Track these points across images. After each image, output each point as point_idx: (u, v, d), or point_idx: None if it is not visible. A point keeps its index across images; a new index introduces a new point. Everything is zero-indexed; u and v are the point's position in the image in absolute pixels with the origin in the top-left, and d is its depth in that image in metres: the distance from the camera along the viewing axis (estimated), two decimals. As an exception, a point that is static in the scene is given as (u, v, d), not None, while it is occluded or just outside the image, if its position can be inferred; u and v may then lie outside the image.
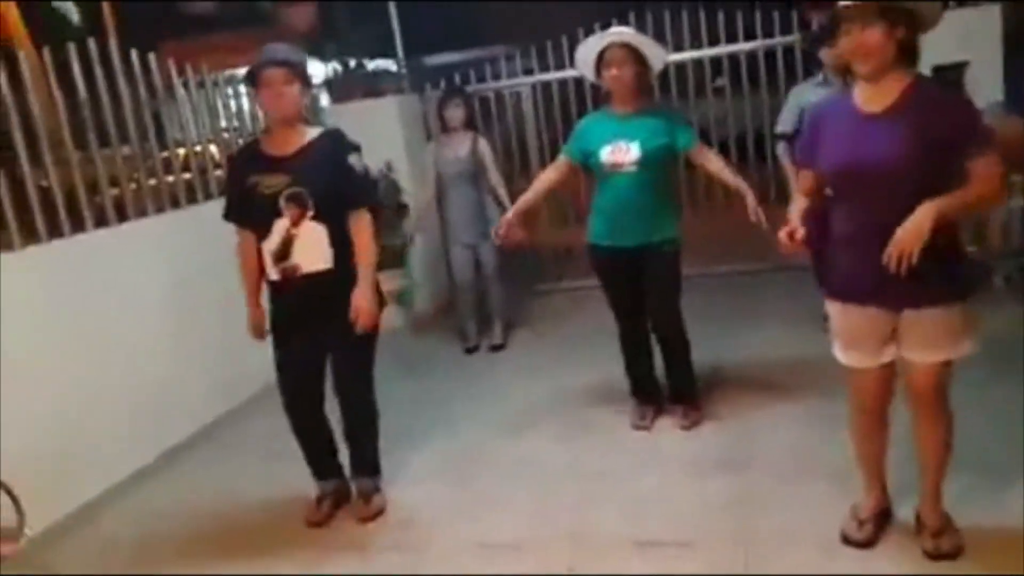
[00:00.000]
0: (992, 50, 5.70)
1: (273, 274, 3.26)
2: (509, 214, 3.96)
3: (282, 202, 3.17)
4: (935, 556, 2.70)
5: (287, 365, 3.36)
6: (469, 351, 5.66)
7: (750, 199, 3.67)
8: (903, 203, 2.38)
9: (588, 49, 3.75)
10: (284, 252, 3.21)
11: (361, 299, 3.22)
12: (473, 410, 4.58)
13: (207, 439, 4.61)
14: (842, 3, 2.42)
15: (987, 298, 5.14)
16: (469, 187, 5.46)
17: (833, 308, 2.69)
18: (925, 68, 5.98)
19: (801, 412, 3.89)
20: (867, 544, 2.80)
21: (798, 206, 2.73)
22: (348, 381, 3.38)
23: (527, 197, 4.01)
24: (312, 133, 3.29)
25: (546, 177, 4.00)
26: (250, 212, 3.27)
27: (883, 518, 2.88)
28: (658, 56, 3.78)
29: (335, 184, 3.19)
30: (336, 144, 3.29)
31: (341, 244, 3.22)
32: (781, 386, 4.26)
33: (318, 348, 3.34)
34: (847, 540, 2.82)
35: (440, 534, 3.32)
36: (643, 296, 3.86)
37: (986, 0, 5.84)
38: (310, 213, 3.17)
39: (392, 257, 6.38)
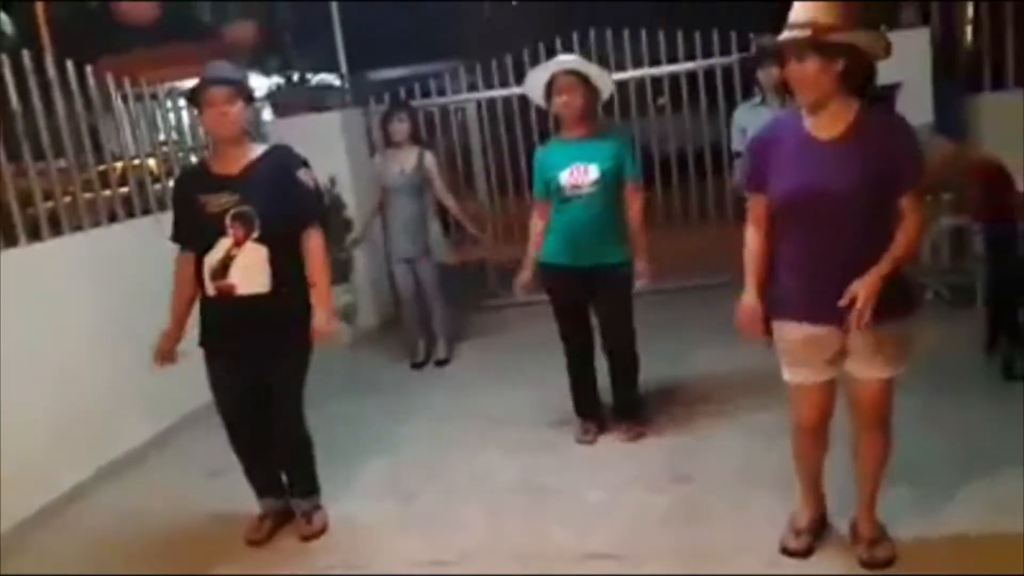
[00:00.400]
0: (922, 72, 5.89)
1: (210, 290, 3.21)
2: (524, 272, 4.00)
3: (228, 221, 3.12)
4: (869, 564, 2.77)
5: (219, 384, 3.30)
6: (416, 366, 5.64)
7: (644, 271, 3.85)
8: (854, 228, 2.49)
9: (536, 77, 3.83)
10: (223, 271, 3.15)
11: (324, 323, 3.21)
12: (419, 426, 4.55)
13: (146, 456, 4.50)
14: (783, 43, 2.48)
15: (917, 314, 5.31)
16: (412, 201, 5.45)
17: (781, 328, 2.70)
18: (859, 89, 6.18)
19: (743, 425, 3.95)
20: (805, 554, 2.86)
21: (748, 247, 2.75)
22: (282, 409, 3.32)
23: (531, 253, 4.02)
24: (258, 150, 3.25)
25: (535, 225, 4.01)
26: (195, 231, 3.22)
27: (820, 527, 2.94)
28: (606, 82, 3.87)
29: (283, 201, 3.16)
30: (284, 160, 3.26)
31: (280, 266, 3.17)
32: (723, 400, 4.32)
33: (251, 367, 3.27)
34: (785, 550, 2.88)
35: (385, 550, 3.29)
36: (589, 316, 3.93)
37: (917, 25, 6.05)
38: (254, 234, 3.13)
39: (336, 271, 6.34)
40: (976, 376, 4.20)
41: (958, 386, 4.06)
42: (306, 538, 3.41)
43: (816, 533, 2.92)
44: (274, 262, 3.15)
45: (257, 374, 3.29)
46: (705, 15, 6.98)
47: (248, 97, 3.25)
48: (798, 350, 2.67)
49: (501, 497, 3.61)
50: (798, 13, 2.47)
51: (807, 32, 2.42)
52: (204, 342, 3.29)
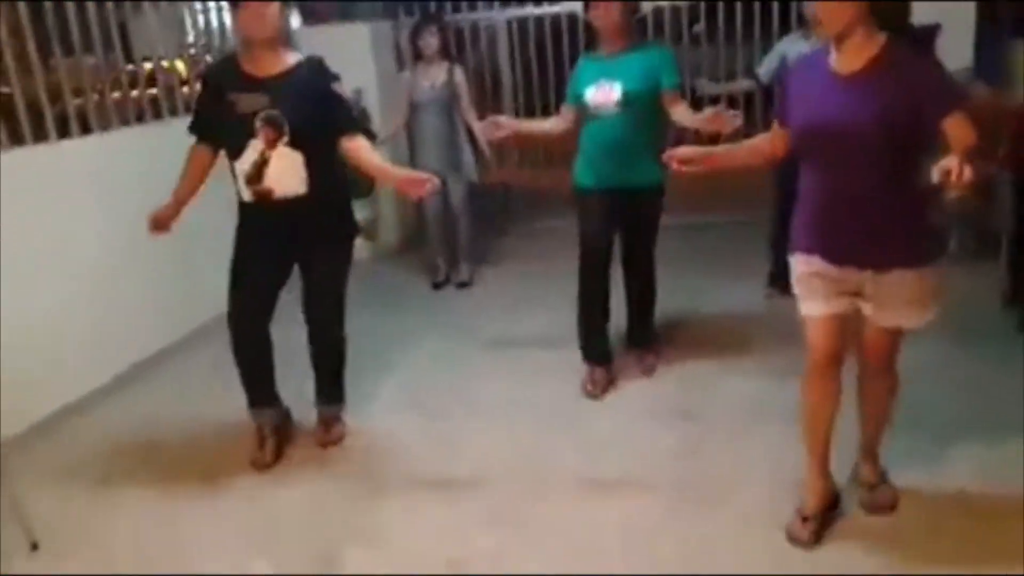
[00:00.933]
0: (965, 17, 5.74)
1: (246, 195, 3.21)
2: (507, 124, 3.83)
3: (257, 123, 3.11)
4: (871, 508, 2.81)
5: (243, 282, 3.31)
6: (437, 286, 5.67)
7: (715, 113, 3.43)
8: (869, 168, 2.41)
9: None
10: (258, 175, 3.16)
11: (409, 175, 3.26)
12: (438, 346, 4.62)
13: (165, 361, 4.61)
14: None
15: (941, 263, 5.29)
16: (441, 117, 5.40)
17: (796, 260, 2.68)
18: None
19: (755, 362, 4.00)
20: (813, 542, 2.71)
21: (751, 142, 2.80)
22: (320, 308, 3.38)
23: (532, 124, 4.03)
24: (293, 58, 3.23)
25: (554, 122, 3.97)
26: (222, 129, 3.22)
27: (828, 512, 2.81)
28: None
29: (317, 112, 3.15)
30: (318, 72, 3.25)
31: (316, 171, 3.17)
32: (737, 336, 4.37)
33: (279, 273, 3.34)
34: (793, 539, 2.73)
35: (399, 465, 3.38)
36: (611, 247, 3.86)
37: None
38: (285, 138, 3.12)
39: (359, 187, 6.34)
40: (993, 328, 4.21)
41: (973, 338, 4.07)
42: (323, 444, 3.49)
43: (825, 520, 2.77)
44: (310, 166, 3.16)
45: (283, 278, 3.34)
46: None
47: (285, 4, 3.21)
48: (807, 281, 2.64)
49: (515, 421, 3.69)
50: None
51: None
52: (240, 245, 3.31)
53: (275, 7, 3.11)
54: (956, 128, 2.31)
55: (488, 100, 7.04)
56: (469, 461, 3.39)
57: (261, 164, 3.15)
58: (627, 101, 3.62)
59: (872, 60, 2.40)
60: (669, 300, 4.25)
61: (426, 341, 4.69)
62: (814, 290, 2.65)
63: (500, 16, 6.96)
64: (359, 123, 3.41)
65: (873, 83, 2.39)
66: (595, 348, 3.98)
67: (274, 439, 3.48)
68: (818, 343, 2.67)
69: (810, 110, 2.51)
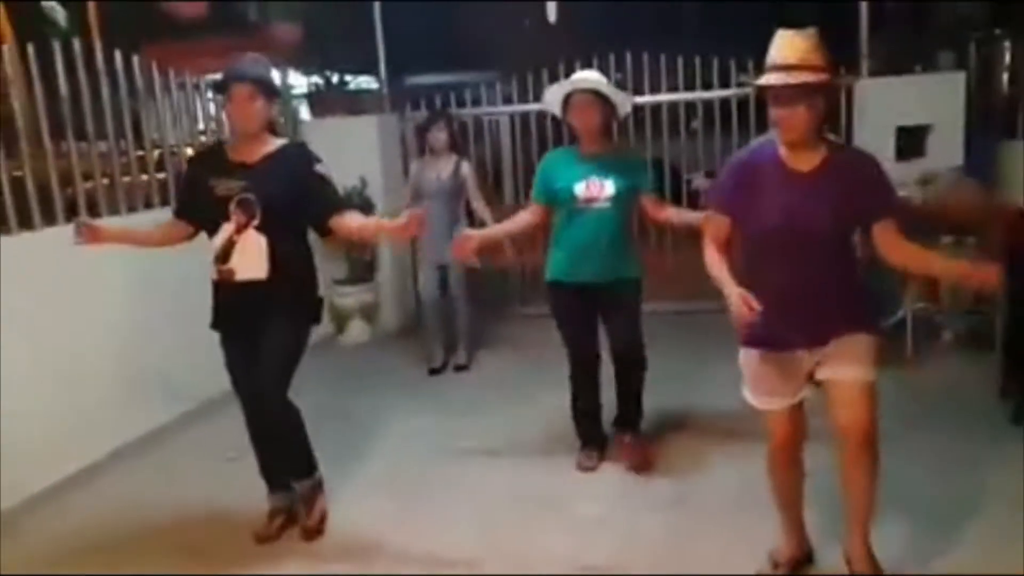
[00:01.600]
0: (955, 116, 5.91)
1: (213, 274, 3.32)
2: (474, 234, 3.99)
3: (231, 206, 3.22)
4: None
5: (233, 366, 3.38)
6: (434, 371, 5.70)
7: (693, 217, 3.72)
8: (826, 258, 2.62)
9: (554, 93, 3.87)
10: (224, 256, 3.25)
11: (396, 222, 3.24)
12: (429, 428, 4.63)
13: (163, 439, 4.60)
14: (767, 84, 2.54)
15: (937, 353, 5.32)
16: (445, 208, 5.50)
17: (750, 356, 2.75)
18: (890, 128, 6.23)
19: (740, 451, 3.97)
20: None
21: (713, 259, 2.77)
22: (260, 382, 3.31)
23: (496, 228, 4.14)
24: (276, 144, 3.35)
25: (520, 218, 4.04)
26: (200, 210, 3.33)
27: (800, 564, 2.94)
28: (623, 102, 3.88)
29: (294, 195, 3.24)
30: (299, 156, 3.37)
31: (280, 256, 3.24)
32: (725, 421, 4.35)
33: (252, 349, 3.34)
34: None
35: (386, 548, 3.35)
36: (596, 333, 3.93)
37: (952, 69, 6.07)
38: (255, 222, 3.21)
39: (360, 272, 6.45)
40: (987, 419, 4.19)
41: (968, 429, 4.06)
42: (308, 531, 3.42)
43: (796, 568, 2.93)
44: (274, 251, 3.23)
45: (262, 347, 3.35)
46: (742, 42, 7.02)
47: (271, 93, 3.34)
48: (767, 378, 2.72)
49: (504, 504, 3.67)
50: (786, 53, 2.52)
51: (802, 76, 2.48)
52: (214, 324, 3.39)
53: (260, 102, 3.25)
54: (886, 236, 2.59)
55: (490, 190, 7.20)
56: (457, 544, 3.36)
57: (229, 246, 3.24)
58: (618, 196, 3.77)
59: (825, 161, 2.60)
60: (658, 386, 4.24)
61: (419, 424, 4.69)
62: (770, 386, 2.74)
63: (503, 111, 7.17)
64: (344, 201, 3.50)
65: (829, 181, 2.58)
66: (589, 428, 4.07)
67: (283, 519, 3.49)
68: (777, 431, 2.79)
69: (772, 207, 2.61)
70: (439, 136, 5.54)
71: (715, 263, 2.74)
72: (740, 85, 6.12)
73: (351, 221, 3.38)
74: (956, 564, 2.96)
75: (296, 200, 3.25)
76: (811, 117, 2.53)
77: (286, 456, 3.48)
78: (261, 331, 3.29)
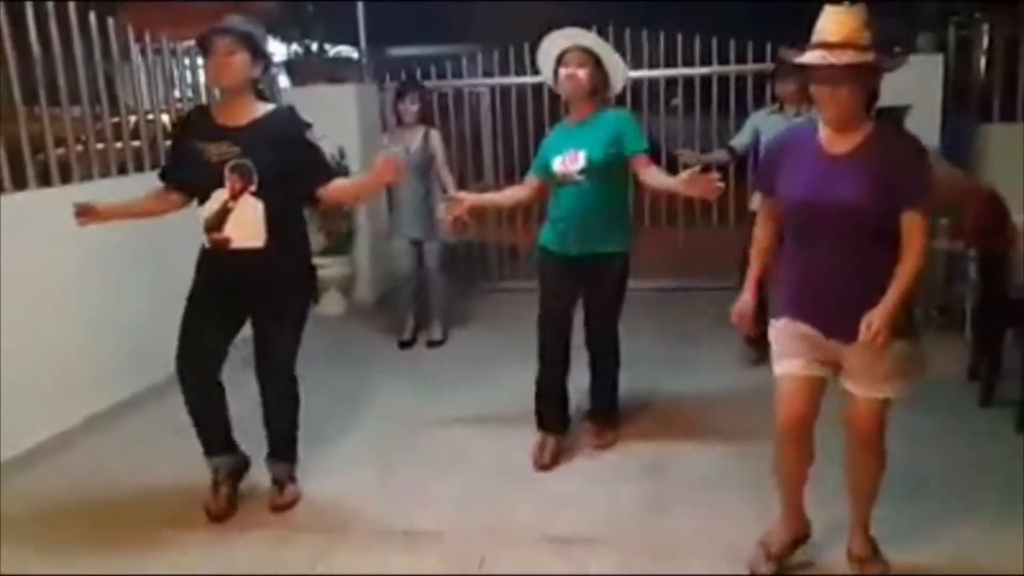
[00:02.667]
0: (933, 98, 5.95)
1: (205, 242, 3.24)
2: (465, 199, 3.83)
3: (226, 172, 3.13)
4: None
5: (193, 330, 3.29)
6: (403, 345, 5.70)
7: (693, 176, 3.21)
8: (856, 243, 2.49)
9: (550, 46, 3.69)
10: (218, 223, 3.17)
11: (373, 175, 3.25)
12: (403, 401, 4.64)
13: (136, 408, 4.58)
14: (814, 64, 2.44)
15: (918, 336, 5.37)
16: (418, 181, 5.46)
17: (776, 324, 2.72)
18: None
19: (718, 429, 4.03)
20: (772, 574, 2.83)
21: (755, 244, 2.83)
22: (269, 367, 3.34)
23: (489, 196, 4.06)
24: (265, 108, 3.26)
25: (512, 192, 4.02)
26: (191, 177, 3.23)
27: (795, 547, 2.89)
28: (617, 66, 3.72)
29: (287, 162, 3.17)
30: (289, 121, 3.28)
31: (277, 223, 3.18)
32: (702, 402, 4.40)
33: (230, 323, 3.32)
34: (752, 571, 2.83)
35: (359, 519, 3.37)
36: (571, 314, 3.84)
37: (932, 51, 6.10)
38: (252, 188, 3.14)
39: (337, 244, 6.42)
40: (957, 400, 4.26)
41: (936, 410, 4.11)
42: (277, 509, 3.41)
43: (790, 552, 2.87)
44: (271, 218, 3.16)
45: (235, 328, 3.33)
46: (725, 21, 7.03)
47: (256, 51, 3.21)
48: (789, 342, 2.67)
49: (477, 476, 3.70)
50: (832, 32, 2.43)
51: (847, 56, 2.39)
52: (194, 290, 3.31)
53: (241, 57, 3.15)
54: (909, 224, 2.44)
55: (469, 163, 7.19)
56: (428, 514, 3.38)
57: (223, 213, 3.17)
58: (590, 169, 3.60)
59: (862, 143, 2.49)
60: (635, 366, 4.27)
61: (392, 397, 4.70)
62: (794, 349, 2.67)
63: (484, 83, 7.13)
64: (333, 168, 3.45)
65: (860, 164, 2.47)
66: (549, 416, 3.92)
67: (228, 486, 3.44)
68: (787, 405, 2.69)
69: (804, 186, 2.57)
70: (410, 108, 5.49)
71: (754, 250, 2.84)
72: (779, 61, 6.06)
73: (337, 187, 3.34)
74: (923, 544, 3.00)
75: (291, 166, 3.18)
76: (854, 99, 2.43)
77: (279, 439, 3.46)
78: (256, 306, 3.26)
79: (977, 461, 3.63)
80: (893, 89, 6.31)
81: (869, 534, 2.85)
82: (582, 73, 3.60)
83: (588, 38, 3.68)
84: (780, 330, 2.72)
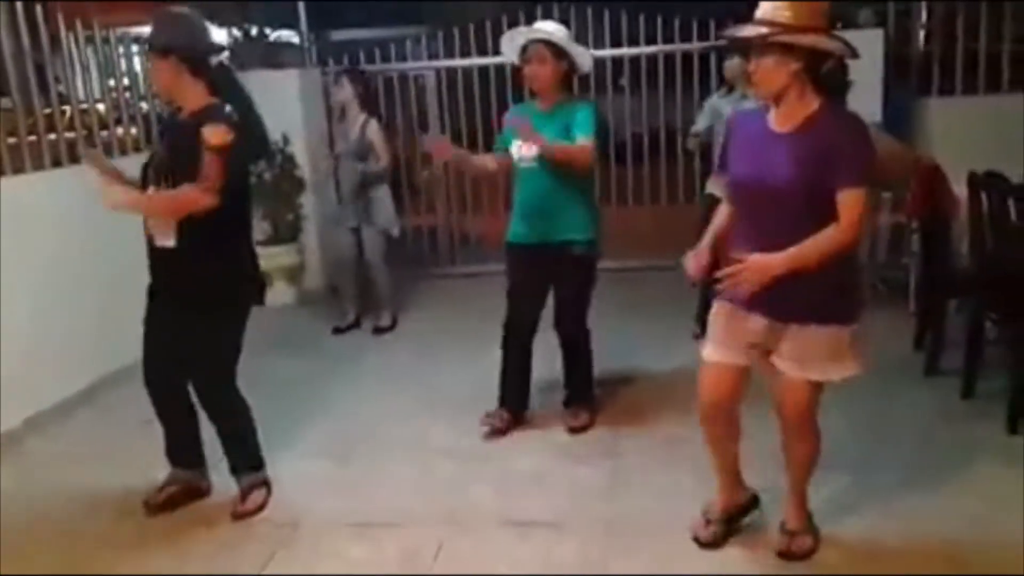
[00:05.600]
0: (874, 72, 6.02)
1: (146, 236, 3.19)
2: (449, 147, 3.89)
3: (150, 172, 3.11)
4: (783, 555, 2.84)
5: (147, 332, 3.26)
6: (337, 330, 5.64)
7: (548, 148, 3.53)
8: (793, 223, 2.48)
9: (512, 41, 3.73)
10: (147, 220, 3.15)
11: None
12: (355, 390, 4.59)
13: (84, 403, 4.48)
14: (732, 34, 2.60)
15: (858, 324, 5.45)
16: (357, 169, 5.42)
17: (719, 307, 2.75)
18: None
19: (675, 406, 4.04)
20: (713, 544, 2.91)
21: (718, 218, 2.84)
22: (196, 376, 3.23)
23: (469, 157, 4.03)
24: (203, 103, 3.11)
25: (488, 159, 4.00)
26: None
27: (734, 518, 2.98)
28: (583, 55, 3.77)
29: (188, 158, 3.00)
30: (206, 116, 3.05)
31: (187, 222, 3.02)
32: (661, 383, 4.42)
33: (171, 325, 3.20)
34: (696, 539, 2.93)
35: (315, 509, 3.33)
36: (539, 302, 3.85)
37: (872, 26, 6.18)
38: (164, 185, 3.06)
39: (285, 231, 6.32)
40: (902, 371, 4.34)
41: (883, 379, 4.18)
42: (235, 516, 3.30)
43: (729, 524, 2.95)
44: (180, 220, 3.03)
45: (178, 331, 3.21)
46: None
47: (193, 59, 3.09)
48: (720, 327, 2.74)
49: (433, 462, 3.68)
50: (763, 10, 2.52)
51: (763, 30, 2.48)
52: (148, 287, 3.26)
53: (164, 65, 3.07)
54: (843, 200, 2.45)
55: (417, 149, 7.11)
56: (385, 503, 3.36)
57: None
58: (542, 156, 3.62)
59: (806, 120, 2.52)
60: (600, 342, 4.24)
61: (343, 387, 4.65)
62: (722, 336, 2.74)
63: (430, 66, 7.06)
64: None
65: (800, 142, 2.50)
66: (512, 396, 3.97)
67: (175, 489, 3.38)
68: (706, 391, 2.80)
69: (744, 164, 2.63)
70: (342, 94, 5.45)
71: (714, 221, 2.85)
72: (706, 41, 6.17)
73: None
74: (866, 515, 3.05)
75: (195, 163, 3.00)
76: (780, 74, 2.47)
77: (228, 448, 3.37)
78: (181, 309, 3.14)
79: (923, 430, 3.71)
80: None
81: (803, 509, 2.89)
82: (544, 68, 3.66)
83: (546, 32, 3.70)
84: (715, 313, 2.78)
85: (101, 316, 4.59)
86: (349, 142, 5.40)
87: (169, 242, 3.07)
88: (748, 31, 2.53)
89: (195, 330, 3.16)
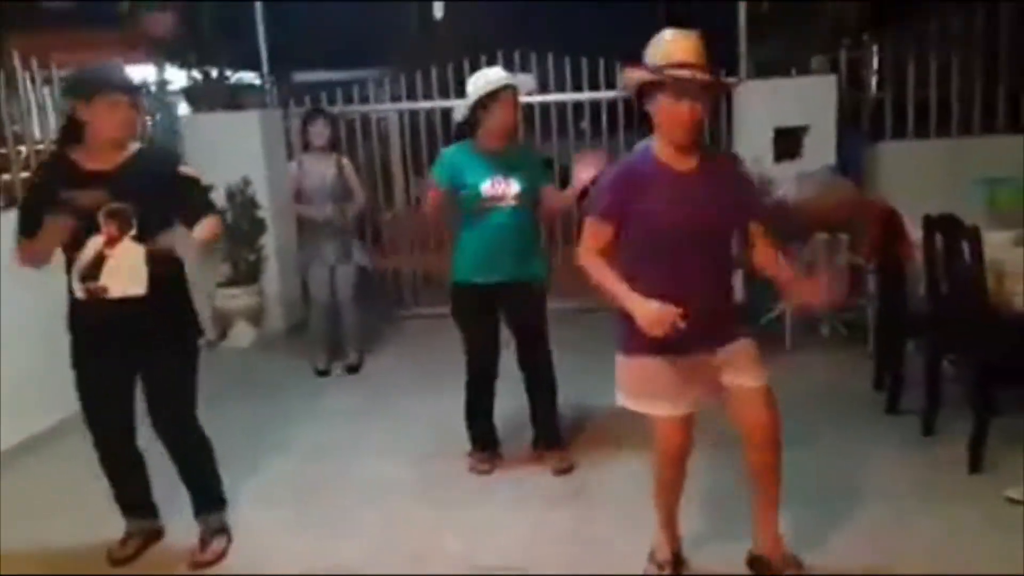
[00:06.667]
0: (827, 117, 6.17)
1: (79, 292, 2.98)
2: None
3: (101, 218, 2.93)
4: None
5: (90, 394, 3.11)
6: (320, 373, 5.59)
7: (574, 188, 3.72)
8: (714, 255, 2.69)
9: (487, 79, 3.71)
10: (94, 272, 2.95)
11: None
12: (319, 433, 4.52)
13: (36, 449, 4.32)
14: (678, 75, 2.53)
15: (815, 347, 5.54)
16: (333, 207, 5.40)
17: (645, 363, 2.69)
18: (768, 130, 6.48)
19: (633, 445, 3.99)
20: None
21: (598, 268, 2.68)
22: (165, 416, 3.17)
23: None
24: (132, 148, 3.08)
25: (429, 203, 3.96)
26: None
27: (680, 559, 2.99)
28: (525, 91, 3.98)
29: (164, 201, 3.01)
30: (162, 158, 3.15)
31: (158, 267, 2.99)
32: (614, 421, 4.38)
33: (125, 376, 3.14)
34: None
35: (276, 556, 3.26)
36: (498, 338, 3.88)
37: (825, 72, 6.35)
38: (132, 232, 2.96)
39: (246, 273, 6.25)
40: (863, 410, 4.38)
41: (844, 418, 4.24)
42: (194, 566, 3.21)
43: (678, 566, 2.97)
44: (153, 262, 2.98)
45: (130, 382, 3.14)
46: (630, 44, 7.16)
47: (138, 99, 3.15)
48: (658, 382, 2.68)
49: (398, 507, 3.62)
50: (688, 52, 2.57)
51: (706, 74, 2.56)
52: (75, 350, 3.09)
53: (134, 111, 3.06)
54: (756, 232, 2.76)
55: (379, 190, 7.12)
56: (348, 548, 3.29)
57: (99, 261, 2.95)
58: (523, 195, 3.73)
59: (700, 160, 2.68)
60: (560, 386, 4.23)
61: (307, 428, 4.58)
62: (665, 390, 2.70)
63: (391, 109, 7.08)
64: (213, 203, 3.34)
65: (708, 180, 2.65)
66: (484, 436, 4.00)
67: (138, 544, 3.32)
68: (670, 443, 2.79)
69: (664, 207, 2.61)
70: (323, 132, 5.43)
71: (603, 272, 2.65)
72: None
73: (208, 224, 3.13)
74: (830, 551, 3.05)
75: (168, 206, 3.01)
76: (704, 116, 2.62)
77: (200, 491, 3.31)
78: (143, 356, 3.08)
79: (885, 467, 3.73)
80: (790, 110, 6.61)
81: (779, 533, 2.88)
82: (516, 113, 3.79)
83: (514, 79, 3.84)
84: (643, 368, 2.70)
85: (32, 369, 4.31)
86: (326, 183, 5.38)
87: (139, 290, 2.98)
88: (695, 74, 2.54)
89: (163, 371, 3.13)
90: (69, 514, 3.64)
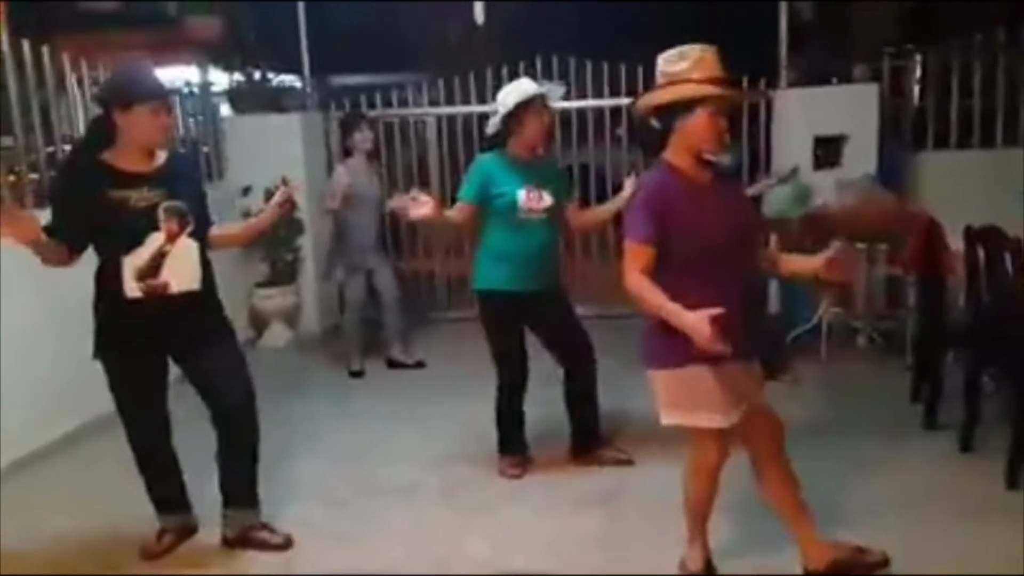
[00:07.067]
0: (869, 126, 6.10)
1: (134, 291, 2.98)
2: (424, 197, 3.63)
3: (161, 215, 2.98)
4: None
5: (132, 394, 3.15)
6: (354, 374, 5.63)
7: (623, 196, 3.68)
8: (744, 264, 2.75)
9: (519, 93, 3.70)
10: (154, 269, 2.99)
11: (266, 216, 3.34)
12: (349, 434, 4.56)
13: (69, 447, 4.41)
14: (729, 93, 2.68)
15: (851, 358, 5.48)
16: (375, 213, 5.50)
17: (693, 372, 2.63)
18: (808, 138, 6.43)
19: (662, 452, 3.98)
20: None
21: (648, 290, 2.59)
22: (238, 398, 3.23)
23: (449, 213, 3.88)
24: (163, 152, 3.13)
25: (453, 212, 3.88)
26: (112, 229, 2.97)
27: (711, 566, 2.98)
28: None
29: (200, 200, 3.17)
30: (189, 163, 3.29)
31: (205, 265, 3.13)
32: (642, 427, 4.36)
33: (163, 374, 3.20)
34: None
35: (308, 555, 3.29)
36: (525, 344, 3.92)
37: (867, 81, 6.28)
38: (189, 228, 3.05)
39: (283, 273, 6.32)
40: (899, 423, 4.31)
41: (879, 431, 4.17)
42: (277, 547, 3.33)
43: (710, 571, 2.97)
44: (204, 258, 3.12)
45: (167, 379, 3.21)
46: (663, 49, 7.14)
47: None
48: (710, 391, 2.65)
49: (430, 510, 3.64)
50: (716, 68, 2.61)
51: (736, 91, 2.68)
52: (118, 346, 3.09)
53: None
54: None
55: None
56: (379, 551, 3.31)
57: (159, 257, 2.99)
58: (555, 207, 3.81)
59: (713, 173, 2.73)
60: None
61: (338, 431, 4.62)
62: (716, 399, 2.66)
63: (430, 113, 7.13)
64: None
65: (725, 191, 2.74)
66: (516, 440, 4.02)
67: (172, 540, 3.38)
68: (720, 455, 2.79)
69: (703, 220, 2.62)
70: (368, 135, 5.48)
71: (653, 293, 2.56)
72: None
73: (227, 228, 3.40)
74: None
75: (200, 208, 3.16)
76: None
77: (242, 484, 3.34)
78: (186, 349, 3.15)
79: (922, 482, 3.67)
80: (831, 118, 6.56)
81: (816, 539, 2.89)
82: (546, 120, 3.82)
83: (552, 90, 3.91)
84: (691, 378, 2.65)
85: (66, 366, 4.22)
86: (372, 188, 5.46)
87: (195, 285, 3.09)
88: (729, 90, 2.69)
89: (226, 357, 3.23)
90: (92, 517, 3.67)
